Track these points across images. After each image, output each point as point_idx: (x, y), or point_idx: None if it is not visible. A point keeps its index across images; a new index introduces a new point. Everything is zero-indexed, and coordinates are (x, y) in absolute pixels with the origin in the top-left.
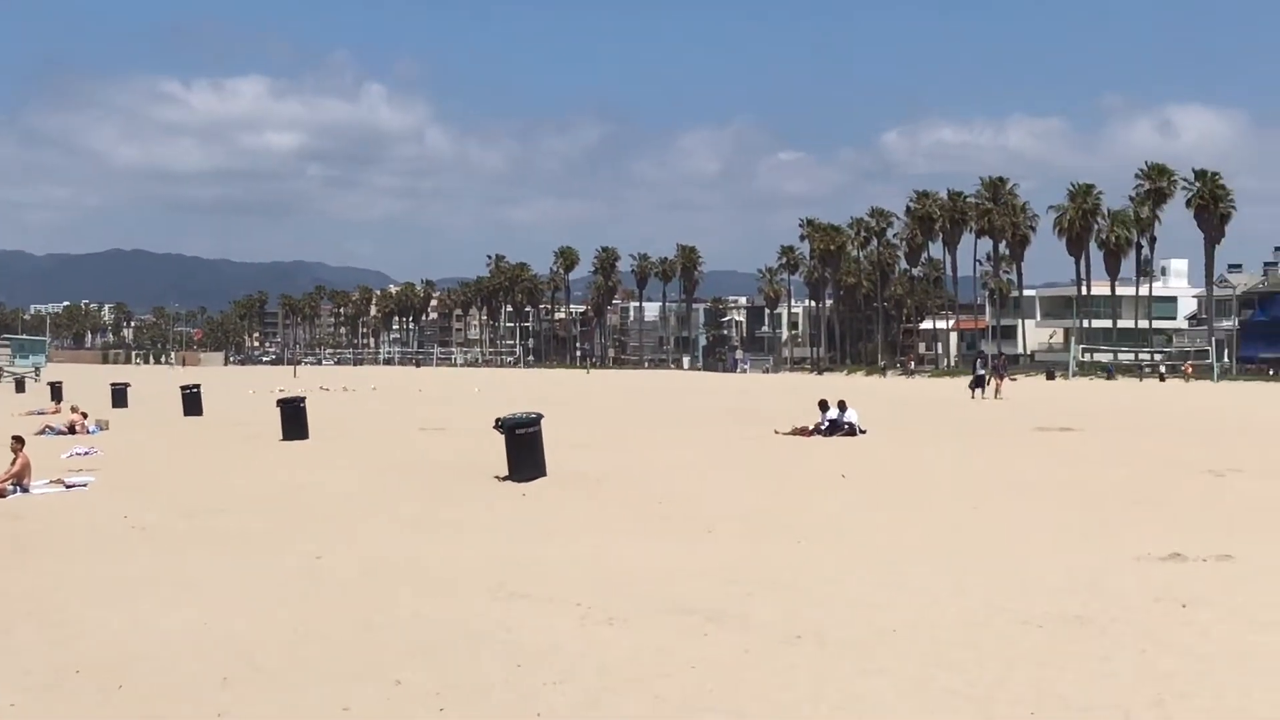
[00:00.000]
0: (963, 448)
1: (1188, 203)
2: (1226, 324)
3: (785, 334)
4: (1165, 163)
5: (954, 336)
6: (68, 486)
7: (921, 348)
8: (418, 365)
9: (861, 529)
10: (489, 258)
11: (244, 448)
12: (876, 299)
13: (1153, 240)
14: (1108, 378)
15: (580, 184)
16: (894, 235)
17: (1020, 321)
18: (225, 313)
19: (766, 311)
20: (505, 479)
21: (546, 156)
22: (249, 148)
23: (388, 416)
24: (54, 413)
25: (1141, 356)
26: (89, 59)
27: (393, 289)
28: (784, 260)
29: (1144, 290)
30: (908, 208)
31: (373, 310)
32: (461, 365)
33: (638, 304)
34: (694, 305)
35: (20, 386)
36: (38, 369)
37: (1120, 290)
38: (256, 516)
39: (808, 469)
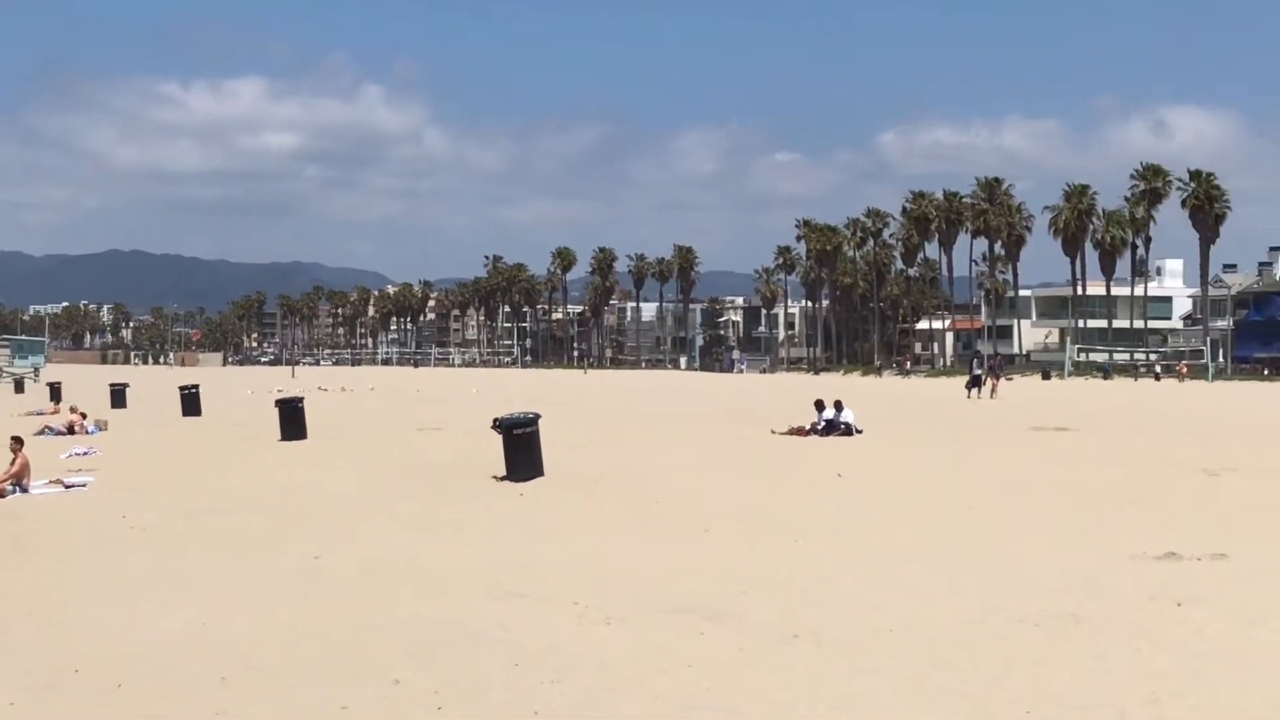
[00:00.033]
0: (958, 447)
1: (1183, 203)
2: (1221, 324)
3: (782, 334)
4: (1160, 163)
5: (950, 336)
6: (67, 486)
7: (918, 348)
8: (415, 365)
9: (858, 528)
10: (486, 258)
11: (242, 448)
12: (873, 299)
13: (1148, 240)
14: (1105, 377)
15: (577, 184)
16: (890, 235)
17: (1016, 321)
18: (223, 313)
19: (763, 312)
20: (503, 479)
21: (544, 157)
22: (247, 149)
23: (386, 417)
24: (53, 413)
25: (1137, 356)
26: (88, 60)
27: (390, 289)
28: (780, 260)
29: (1139, 290)
30: (904, 208)
31: (370, 311)
32: (459, 365)
33: (635, 304)
34: (691, 305)
35: (19, 387)
36: (37, 369)
37: (1115, 290)
38: (255, 516)
39: (804, 469)
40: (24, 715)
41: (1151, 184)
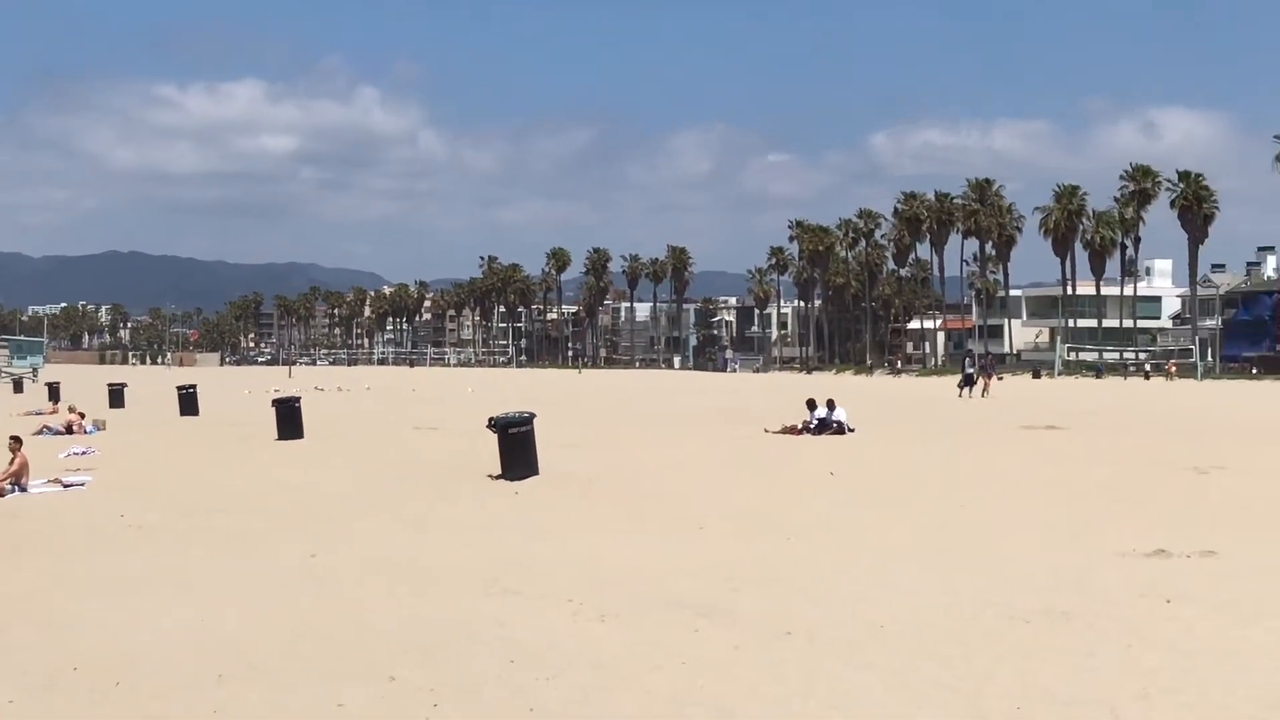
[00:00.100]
0: (950, 446)
1: (1171, 204)
2: (1210, 323)
3: (775, 334)
4: (1150, 164)
5: (941, 336)
6: (65, 486)
7: (909, 347)
8: (411, 365)
9: (850, 526)
10: (482, 259)
11: (240, 447)
12: (865, 299)
13: (1137, 241)
14: (1096, 376)
15: (572, 186)
16: (882, 236)
17: (1006, 321)
18: (221, 314)
19: (756, 311)
20: (498, 478)
21: (538, 158)
22: (244, 150)
23: (382, 416)
24: (51, 413)
25: (1126, 355)
26: (85, 63)
27: (387, 290)
28: (773, 261)
29: (1128, 290)
30: (895, 209)
31: (367, 311)
32: (455, 365)
33: (629, 304)
34: (684, 306)
35: (18, 387)
36: (35, 369)
37: (1105, 290)
38: (252, 516)
39: (797, 467)
40: (23, 713)
41: (1141, 185)
